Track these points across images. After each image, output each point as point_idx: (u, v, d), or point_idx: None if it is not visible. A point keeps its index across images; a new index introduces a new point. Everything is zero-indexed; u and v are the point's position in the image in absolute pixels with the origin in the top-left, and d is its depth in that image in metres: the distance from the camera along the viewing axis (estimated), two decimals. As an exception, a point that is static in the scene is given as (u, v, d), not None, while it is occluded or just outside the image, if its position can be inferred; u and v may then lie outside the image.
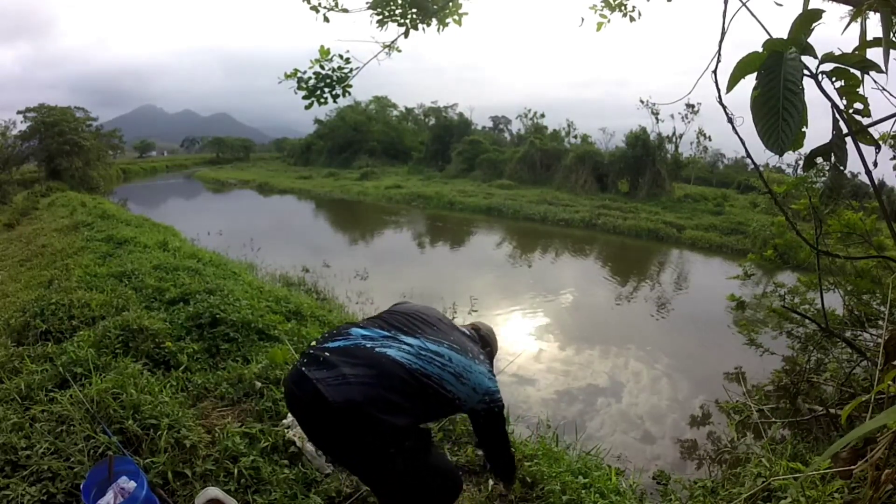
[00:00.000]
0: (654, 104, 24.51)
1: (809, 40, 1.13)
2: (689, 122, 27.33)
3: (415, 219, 19.48)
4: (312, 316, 4.64)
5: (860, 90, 1.17)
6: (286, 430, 2.60)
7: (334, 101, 3.72)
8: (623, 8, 3.80)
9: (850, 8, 1.48)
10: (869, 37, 1.26)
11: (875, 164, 1.26)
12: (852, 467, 1.28)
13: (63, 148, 22.94)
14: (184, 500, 2.14)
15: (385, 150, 40.92)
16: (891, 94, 1.34)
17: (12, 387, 2.67)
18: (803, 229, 3.24)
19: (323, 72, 3.59)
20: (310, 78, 3.59)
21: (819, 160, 1.24)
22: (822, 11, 1.13)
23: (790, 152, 1.06)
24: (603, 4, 3.78)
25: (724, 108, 1.44)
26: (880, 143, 1.31)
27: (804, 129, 1.07)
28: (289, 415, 2.67)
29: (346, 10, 3.55)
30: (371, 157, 38.97)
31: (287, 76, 3.55)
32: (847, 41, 2.82)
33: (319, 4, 3.53)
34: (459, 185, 26.18)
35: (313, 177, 33.46)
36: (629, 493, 2.73)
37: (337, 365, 1.53)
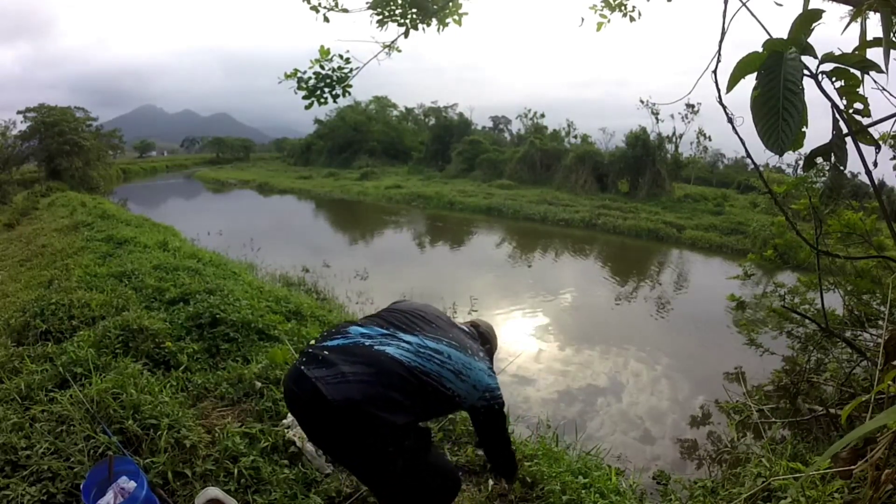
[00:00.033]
0: (654, 104, 24.55)
1: (809, 40, 1.13)
2: (689, 122, 27.37)
3: (415, 219, 19.48)
4: (312, 316, 4.65)
5: (860, 90, 1.17)
6: (286, 430, 2.59)
7: (334, 101, 3.72)
8: (623, 8, 3.80)
9: (850, 8, 1.48)
10: (869, 37, 1.26)
11: (875, 164, 1.26)
12: (852, 467, 1.28)
13: (63, 148, 22.95)
14: (184, 500, 2.14)
15: (385, 150, 40.93)
16: (891, 94, 1.34)
17: (12, 387, 2.67)
18: (803, 229, 3.24)
19: (323, 72, 3.59)
20: (310, 78, 3.59)
21: (819, 160, 1.24)
22: (822, 11, 1.13)
23: (790, 152, 1.06)
24: (603, 4, 3.78)
25: (724, 108, 1.44)
26: (880, 143, 1.31)
27: (804, 129, 1.07)
28: (289, 415, 2.67)
29: (346, 10, 3.55)
30: (371, 157, 38.97)
31: (287, 76, 3.56)
32: (847, 41, 2.82)
33: (319, 4, 3.53)
34: (459, 185, 26.17)
35: (313, 177, 33.45)
36: (629, 493, 2.73)
37: (336, 363, 1.53)
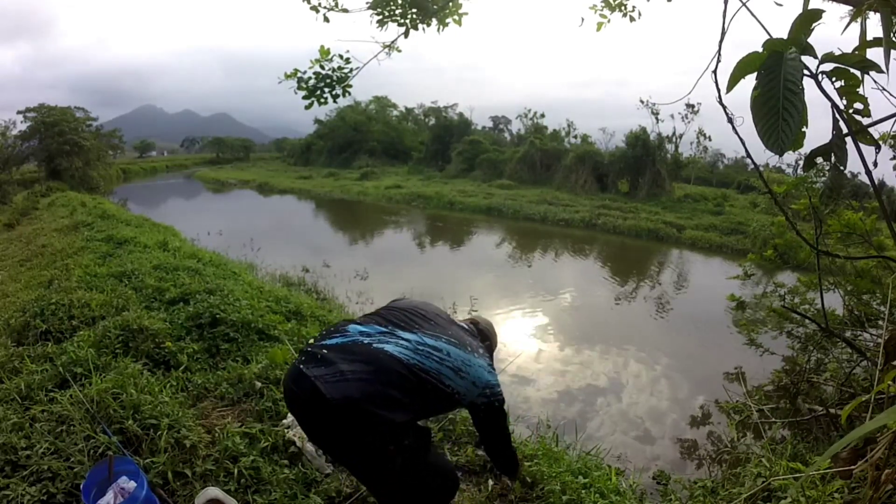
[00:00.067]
0: (654, 104, 24.56)
1: (809, 40, 1.13)
2: (689, 122, 27.39)
3: (415, 219, 19.48)
4: (312, 316, 4.64)
5: (860, 90, 1.17)
6: (286, 430, 2.59)
7: (334, 101, 3.72)
8: (623, 8, 3.80)
9: (850, 8, 1.48)
10: (869, 37, 1.26)
11: (875, 164, 1.26)
12: (852, 467, 1.27)
13: (63, 148, 22.95)
14: (184, 500, 2.14)
15: (385, 150, 40.93)
16: (891, 94, 1.34)
17: (12, 387, 2.67)
18: (803, 229, 3.24)
19: (323, 72, 3.59)
20: (310, 78, 3.59)
21: (819, 160, 1.24)
22: (822, 11, 1.13)
23: (790, 152, 1.06)
24: (603, 4, 3.78)
25: (724, 108, 1.44)
26: (880, 143, 1.31)
27: (804, 129, 1.07)
28: (289, 415, 2.67)
29: (346, 10, 3.55)
30: (371, 157, 38.97)
31: (287, 76, 3.56)
32: (847, 41, 2.82)
33: (319, 4, 3.53)
34: (459, 185, 26.18)
35: (313, 177, 33.46)
36: (629, 493, 2.73)
37: (334, 362, 1.53)
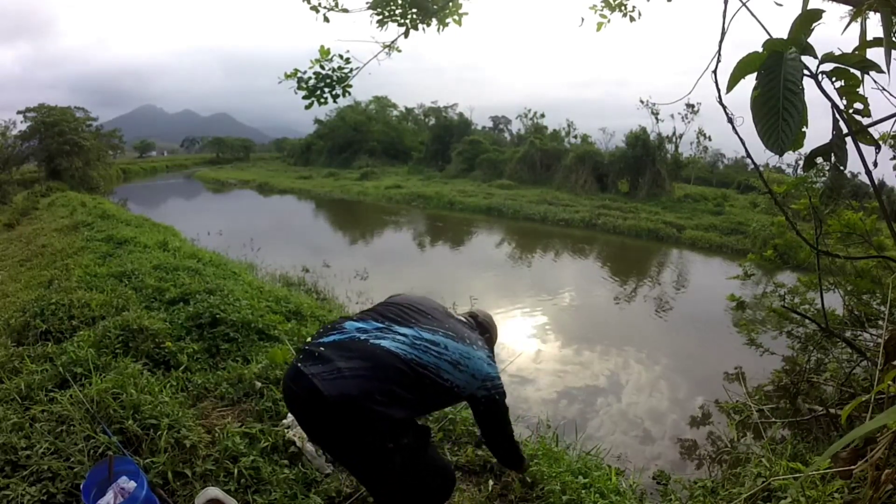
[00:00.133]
0: (654, 104, 24.54)
1: (809, 40, 1.13)
2: (689, 122, 27.37)
3: (415, 219, 19.48)
4: (312, 316, 4.65)
5: (860, 90, 1.17)
6: (286, 430, 2.59)
7: (334, 101, 3.72)
8: (623, 8, 3.80)
9: (850, 8, 1.48)
10: (869, 37, 1.26)
11: (875, 164, 1.26)
12: (852, 467, 1.27)
13: (63, 148, 22.95)
14: (184, 500, 2.14)
15: (385, 150, 40.92)
16: (891, 94, 1.34)
17: (12, 387, 2.67)
18: (803, 229, 3.23)
19: (323, 72, 3.60)
20: (310, 78, 3.59)
21: (819, 160, 1.24)
22: (822, 11, 1.13)
23: (790, 152, 1.06)
24: (603, 4, 3.78)
25: (724, 108, 1.44)
26: (880, 143, 1.30)
27: (804, 129, 1.07)
28: (289, 415, 2.67)
29: (346, 10, 3.55)
30: (371, 157, 38.97)
31: (287, 76, 3.56)
32: (847, 41, 2.82)
33: (319, 4, 3.53)
34: (459, 185, 26.17)
35: (313, 177, 33.45)
36: (629, 493, 2.73)
37: (332, 359, 1.53)
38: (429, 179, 29.32)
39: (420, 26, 3.62)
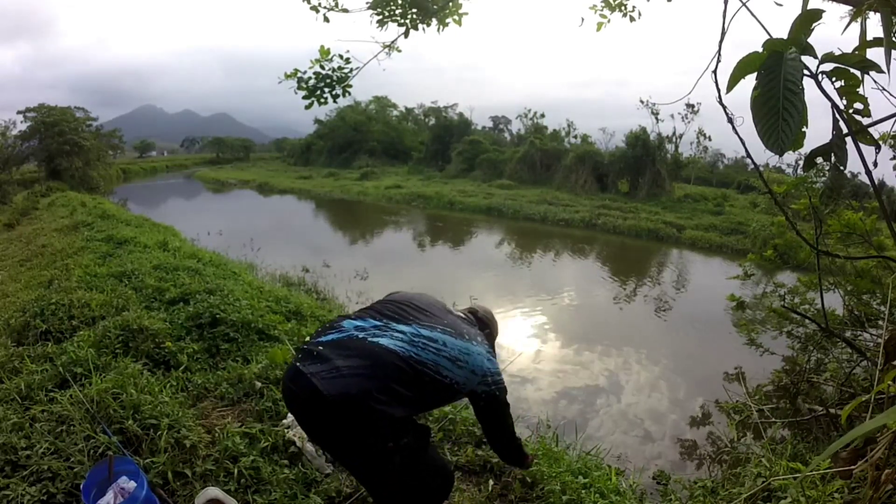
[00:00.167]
0: (654, 104, 24.56)
1: (809, 40, 1.13)
2: (689, 122, 27.38)
3: (415, 219, 19.48)
4: (312, 316, 4.64)
5: (860, 90, 1.17)
6: (286, 430, 2.60)
7: (334, 101, 3.72)
8: (623, 8, 3.80)
9: (850, 8, 1.48)
10: (869, 37, 1.26)
11: (875, 164, 1.26)
12: (852, 467, 1.27)
13: (63, 148, 22.95)
14: (184, 500, 2.14)
15: (385, 150, 40.93)
16: (891, 94, 1.34)
17: (12, 387, 2.67)
18: (803, 229, 3.23)
19: (323, 72, 3.60)
20: (310, 78, 3.59)
21: (819, 160, 1.24)
22: (822, 11, 1.13)
23: (790, 152, 1.06)
24: (603, 4, 3.78)
25: (724, 108, 1.44)
26: (880, 143, 1.30)
27: (804, 129, 1.07)
28: (289, 415, 2.68)
29: (346, 10, 3.55)
30: (371, 157, 38.97)
31: (287, 76, 3.56)
32: (847, 41, 2.82)
33: (319, 4, 3.53)
34: (459, 185, 26.17)
35: (313, 177, 33.46)
36: (629, 493, 2.73)
37: (330, 358, 1.52)
38: (429, 179, 29.32)
39: (420, 26, 3.62)
